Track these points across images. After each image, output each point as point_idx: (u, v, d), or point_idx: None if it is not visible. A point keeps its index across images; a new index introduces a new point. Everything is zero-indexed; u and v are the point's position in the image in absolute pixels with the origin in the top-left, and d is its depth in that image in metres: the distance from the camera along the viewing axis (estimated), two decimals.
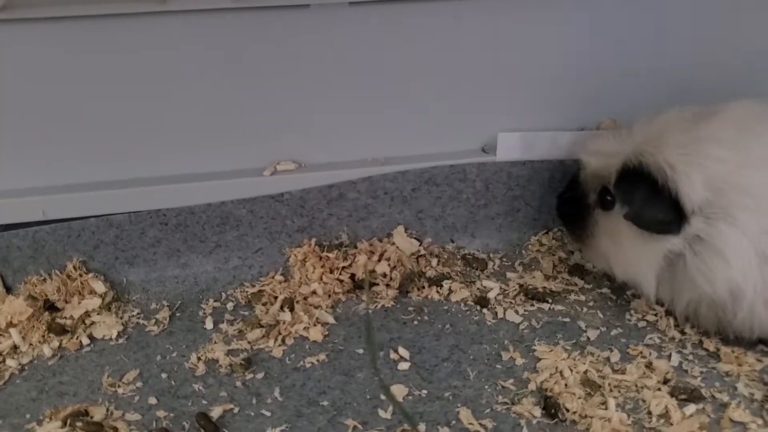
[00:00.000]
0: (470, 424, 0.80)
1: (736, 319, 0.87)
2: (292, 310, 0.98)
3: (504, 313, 0.99)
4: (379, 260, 1.05)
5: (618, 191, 0.91)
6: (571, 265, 1.08)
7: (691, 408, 0.82)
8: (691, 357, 0.91)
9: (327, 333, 0.95)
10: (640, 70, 1.12)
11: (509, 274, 1.07)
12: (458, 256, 1.10)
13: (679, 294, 0.90)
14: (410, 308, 1.00)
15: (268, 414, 0.82)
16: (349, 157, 1.08)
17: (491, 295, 1.02)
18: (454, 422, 0.81)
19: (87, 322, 0.96)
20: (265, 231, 1.06)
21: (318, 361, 0.91)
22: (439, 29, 1.02)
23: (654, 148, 0.86)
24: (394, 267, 1.04)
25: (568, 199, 1.00)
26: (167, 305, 1.00)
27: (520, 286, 1.04)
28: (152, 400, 0.84)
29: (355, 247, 1.07)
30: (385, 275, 1.03)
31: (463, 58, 1.06)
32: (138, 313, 0.99)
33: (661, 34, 1.10)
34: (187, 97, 1.00)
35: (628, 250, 0.91)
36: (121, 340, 0.95)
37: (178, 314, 0.99)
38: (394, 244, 1.07)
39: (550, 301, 1.01)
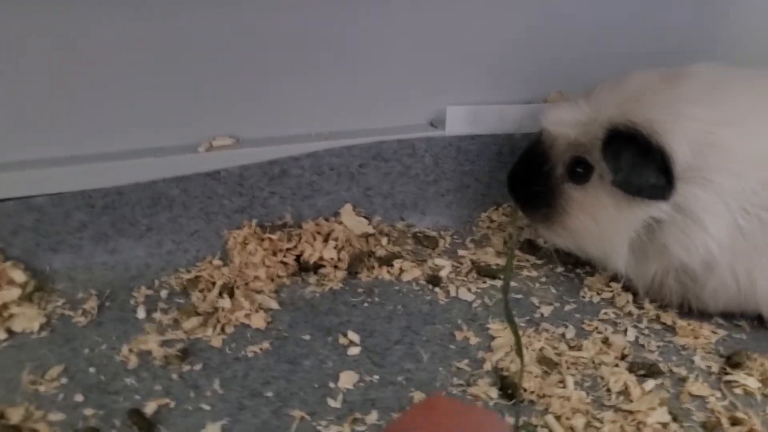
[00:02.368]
0: None
1: (704, 291, 0.85)
2: (231, 296, 0.91)
3: (456, 292, 0.95)
4: (326, 241, 0.99)
5: (607, 157, 0.84)
6: (521, 242, 1.04)
7: (650, 384, 0.80)
8: (647, 331, 0.89)
9: (270, 320, 0.89)
10: (585, 44, 1.10)
11: (461, 252, 1.03)
12: (409, 235, 1.05)
13: (648, 265, 0.87)
14: (360, 290, 0.95)
15: (208, 408, 0.76)
16: (292, 131, 1.01)
17: (443, 273, 0.98)
18: (407, 407, 0.76)
19: (5, 314, 0.87)
20: (201, 212, 0.99)
21: (261, 349, 0.85)
22: (385, 2, 0.97)
23: (638, 111, 0.82)
24: (342, 247, 0.99)
25: (525, 176, 0.93)
26: (95, 294, 0.92)
27: (473, 263, 1.00)
28: (79, 398, 0.77)
29: (300, 228, 1.01)
30: (332, 258, 0.98)
31: (411, 31, 1.01)
32: (63, 304, 0.91)
33: (604, 7, 1.08)
34: (113, 68, 0.92)
35: (605, 222, 0.87)
36: (44, 333, 0.86)
37: (107, 304, 0.91)
38: (341, 223, 1.02)
39: (502, 277, 0.97)
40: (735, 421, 0.75)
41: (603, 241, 0.88)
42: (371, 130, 1.04)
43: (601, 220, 0.87)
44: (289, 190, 1.01)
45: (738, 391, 0.79)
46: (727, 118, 0.81)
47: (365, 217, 1.04)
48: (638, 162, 0.81)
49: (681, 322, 0.89)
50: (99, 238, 0.96)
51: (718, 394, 0.79)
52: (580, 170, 0.88)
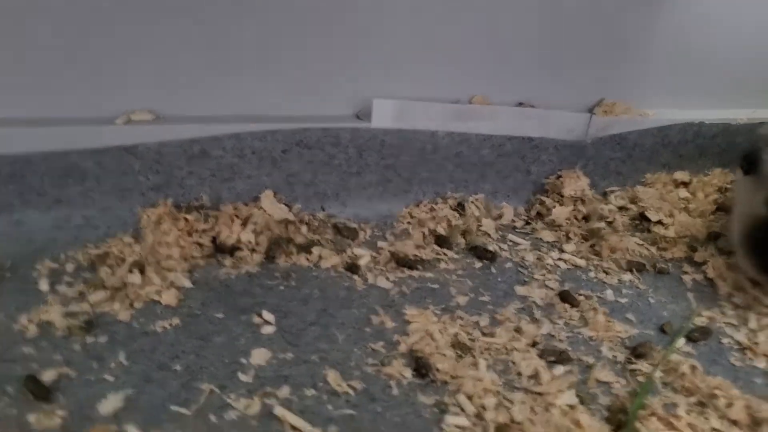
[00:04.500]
0: (338, 385, 0.75)
1: None
2: (142, 273, 0.88)
3: (375, 280, 0.95)
4: (244, 225, 0.98)
5: None
6: (437, 236, 1.05)
7: (559, 369, 0.81)
8: (560, 323, 0.91)
9: (182, 297, 0.87)
10: (511, 49, 1.13)
11: (380, 243, 1.03)
12: (329, 225, 1.05)
13: None
14: (277, 274, 0.94)
15: (111, 379, 0.72)
16: (215, 111, 1.00)
17: (362, 262, 0.98)
18: (321, 384, 0.75)
19: None
20: (115, 187, 0.95)
21: (171, 325, 0.82)
22: None
23: None
24: (261, 232, 0.97)
25: None
26: None
27: (391, 254, 1.00)
28: None
29: (218, 210, 0.99)
30: (250, 242, 0.96)
31: (341, 24, 1.01)
32: None
33: (532, 14, 1.12)
34: (30, 30, 0.88)
35: None
36: None
37: (7, 275, 0.86)
38: (261, 208, 1.00)
39: (420, 268, 0.98)
40: (641, 407, 0.77)
41: None
42: (297, 117, 1.03)
43: None
44: (208, 170, 0.99)
45: (641, 378, 0.82)
46: None
47: (286, 204, 1.03)
48: None
49: (593, 317, 0.92)
50: (2, 208, 0.91)
51: (623, 381, 0.82)
52: None
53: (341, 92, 1.06)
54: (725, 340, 0.91)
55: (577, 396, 0.77)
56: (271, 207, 1.00)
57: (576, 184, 1.16)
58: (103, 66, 0.92)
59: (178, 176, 0.97)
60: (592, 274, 1.02)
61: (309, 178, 1.05)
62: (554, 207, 1.14)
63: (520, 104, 1.17)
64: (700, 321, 0.95)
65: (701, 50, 1.22)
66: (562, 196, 1.16)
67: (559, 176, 1.18)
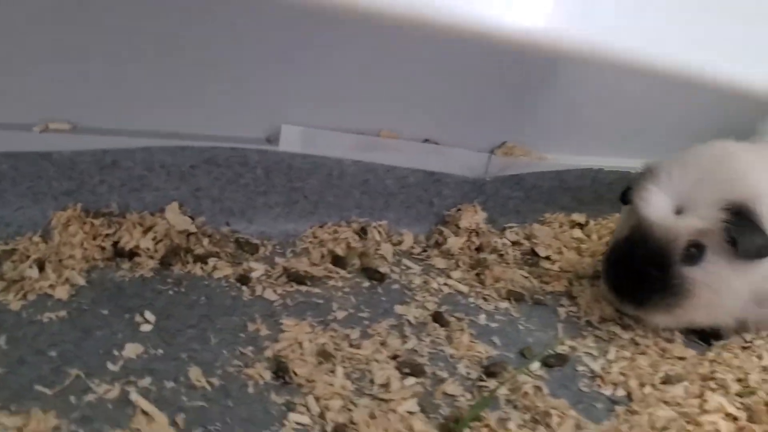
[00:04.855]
0: (198, 380, 0.82)
1: None
2: (42, 269, 0.95)
3: (262, 291, 1.02)
4: (146, 233, 1.05)
5: (730, 234, 0.94)
6: (333, 256, 1.13)
7: (411, 380, 0.89)
8: (426, 341, 0.98)
9: (74, 293, 0.94)
10: (420, 89, 1.23)
11: (278, 259, 1.10)
12: (231, 239, 1.12)
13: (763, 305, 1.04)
14: (169, 280, 1.01)
15: None
16: (129, 125, 1.08)
17: (254, 275, 1.05)
18: (182, 378, 0.82)
19: None
20: (29, 190, 1.03)
21: (57, 317, 0.89)
22: (241, 16, 1.06)
23: (743, 189, 0.96)
24: (161, 240, 1.05)
25: (641, 274, 0.98)
26: None
27: (285, 269, 1.07)
28: None
29: (124, 217, 1.06)
30: (148, 248, 1.04)
31: (259, 50, 1.09)
32: None
33: (443, 61, 1.21)
34: None
35: (728, 290, 0.98)
36: None
37: None
38: (165, 219, 1.08)
39: (308, 283, 1.06)
40: (476, 418, 0.84)
41: (724, 308, 1.01)
42: (208, 136, 1.11)
43: (724, 291, 0.98)
44: (118, 180, 1.06)
45: (485, 394, 0.89)
46: None
47: (190, 217, 1.10)
48: (754, 231, 0.94)
49: (458, 337, 0.99)
50: None
51: (469, 396, 0.89)
52: (694, 252, 0.97)
53: (253, 116, 1.15)
54: (580, 368, 0.99)
55: (419, 405, 0.84)
56: (175, 218, 1.08)
57: (472, 217, 1.25)
58: (24, 75, 1.00)
59: (90, 183, 1.05)
60: (471, 300, 1.10)
61: (216, 194, 1.13)
62: (450, 237, 1.22)
63: (426, 141, 1.26)
64: (561, 349, 1.02)
65: (596, 103, 1.32)
66: (458, 227, 1.24)
67: (459, 209, 1.26)
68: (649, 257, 0.98)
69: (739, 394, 0.93)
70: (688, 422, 0.86)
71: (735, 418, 0.88)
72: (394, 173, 1.22)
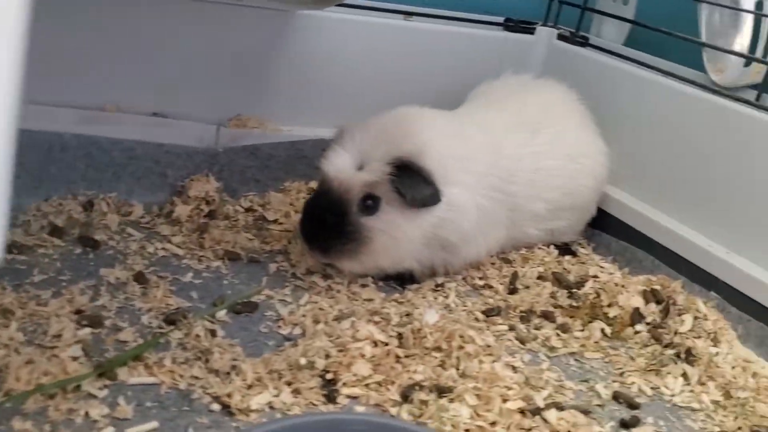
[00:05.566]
0: None
1: (459, 258, 1.21)
2: None
3: None
4: None
5: (398, 186, 1.08)
6: (52, 227, 1.17)
7: (86, 330, 0.95)
8: (120, 298, 1.04)
9: None
10: (147, 64, 1.29)
11: None
12: None
13: (432, 251, 1.17)
14: None
15: None
16: None
17: None
18: None
19: None
20: None
21: None
22: None
23: (406, 146, 1.10)
24: None
25: (324, 224, 1.09)
26: None
27: None
28: None
29: None
30: None
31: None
32: None
33: (173, 34, 1.27)
34: None
35: (403, 237, 1.12)
36: None
37: None
38: None
39: (15, 251, 1.09)
40: (137, 357, 0.92)
41: (402, 253, 1.14)
42: None
43: (400, 237, 1.11)
44: None
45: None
46: (453, 139, 1.18)
47: None
48: (419, 183, 1.09)
49: (153, 293, 1.06)
50: None
51: (141, 341, 0.96)
52: (370, 203, 1.09)
53: None
54: (268, 313, 1.08)
55: (83, 350, 0.91)
56: None
57: (203, 186, 1.32)
58: None
59: None
60: (185, 261, 1.17)
61: None
62: (178, 206, 1.29)
63: (155, 114, 1.33)
64: (257, 298, 1.11)
65: (325, 77, 1.43)
66: (189, 197, 1.31)
67: (192, 179, 1.33)
68: (328, 207, 1.10)
69: (401, 324, 1.05)
70: (339, 350, 0.97)
71: (386, 344, 1.00)
72: (120, 146, 1.28)
